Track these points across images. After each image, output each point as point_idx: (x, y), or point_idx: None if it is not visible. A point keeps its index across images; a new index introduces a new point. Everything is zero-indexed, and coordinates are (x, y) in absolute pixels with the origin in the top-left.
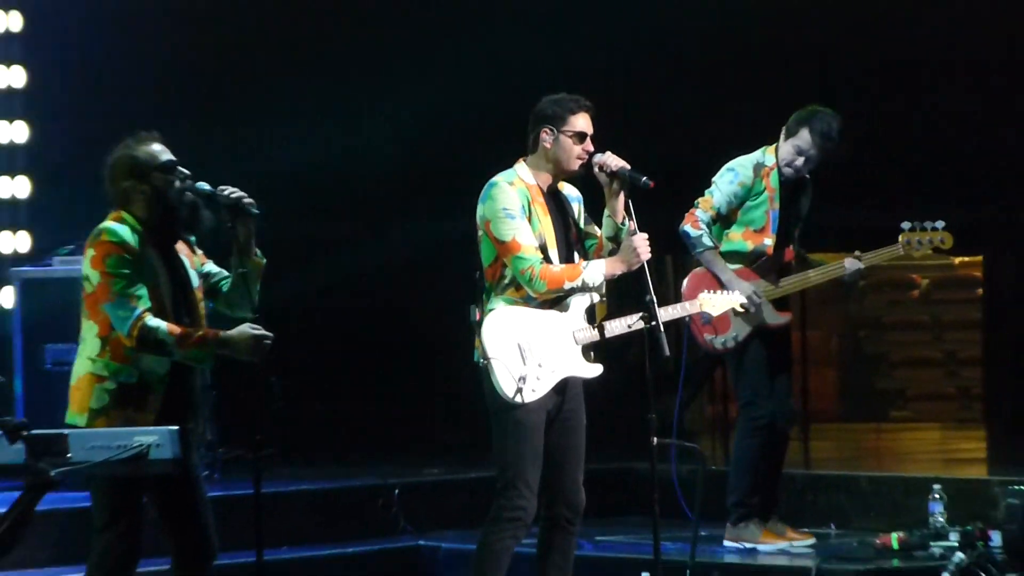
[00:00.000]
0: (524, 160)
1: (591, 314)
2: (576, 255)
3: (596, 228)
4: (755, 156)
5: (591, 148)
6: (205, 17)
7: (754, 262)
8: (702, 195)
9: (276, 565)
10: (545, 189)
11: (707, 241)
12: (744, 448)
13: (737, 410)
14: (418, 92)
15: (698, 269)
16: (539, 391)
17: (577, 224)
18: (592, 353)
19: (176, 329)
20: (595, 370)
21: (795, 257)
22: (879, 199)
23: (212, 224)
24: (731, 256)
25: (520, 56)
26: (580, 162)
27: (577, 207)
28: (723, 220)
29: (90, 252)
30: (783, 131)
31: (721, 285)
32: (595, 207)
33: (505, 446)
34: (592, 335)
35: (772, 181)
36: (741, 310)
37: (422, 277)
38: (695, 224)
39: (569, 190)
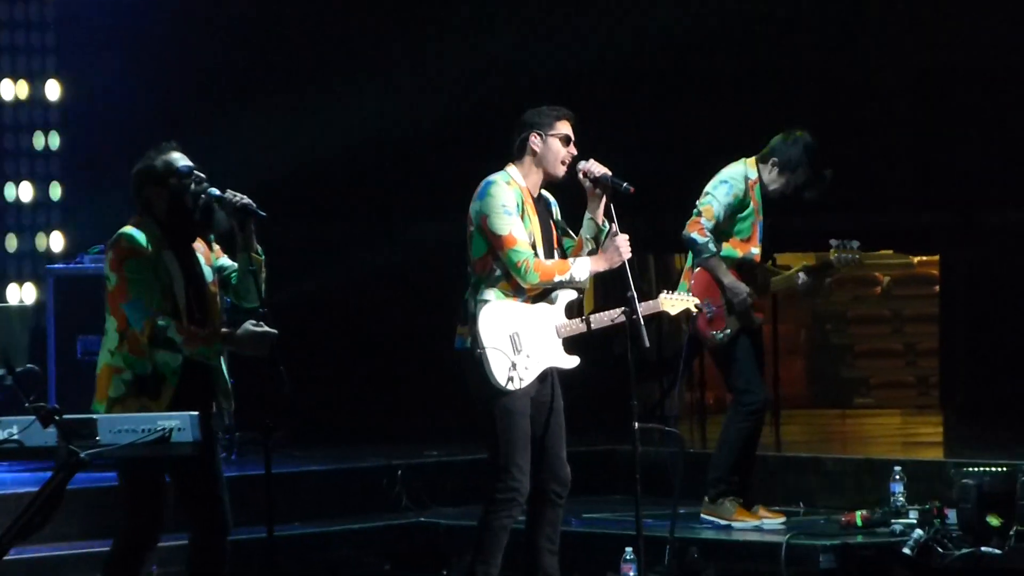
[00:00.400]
0: (513, 165)
1: (570, 310)
2: (556, 255)
3: (571, 232)
4: (741, 169)
5: (575, 152)
6: (218, 28)
7: (740, 268)
8: (697, 204)
9: (287, 540)
10: (533, 193)
11: (712, 247)
12: (735, 431)
13: (710, 397)
14: (415, 95)
15: (699, 269)
16: (526, 380)
17: (558, 226)
18: (572, 345)
19: (184, 328)
20: (572, 361)
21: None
22: (844, 203)
23: (227, 226)
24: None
25: (511, 61)
26: (565, 165)
27: (554, 210)
28: (717, 229)
29: (109, 255)
30: (776, 164)
31: (722, 287)
32: (573, 214)
33: (496, 432)
34: (573, 329)
35: (756, 194)
36: (695, 311)
37: (421, 273)
38: (701, 232)
39: (545, 195)
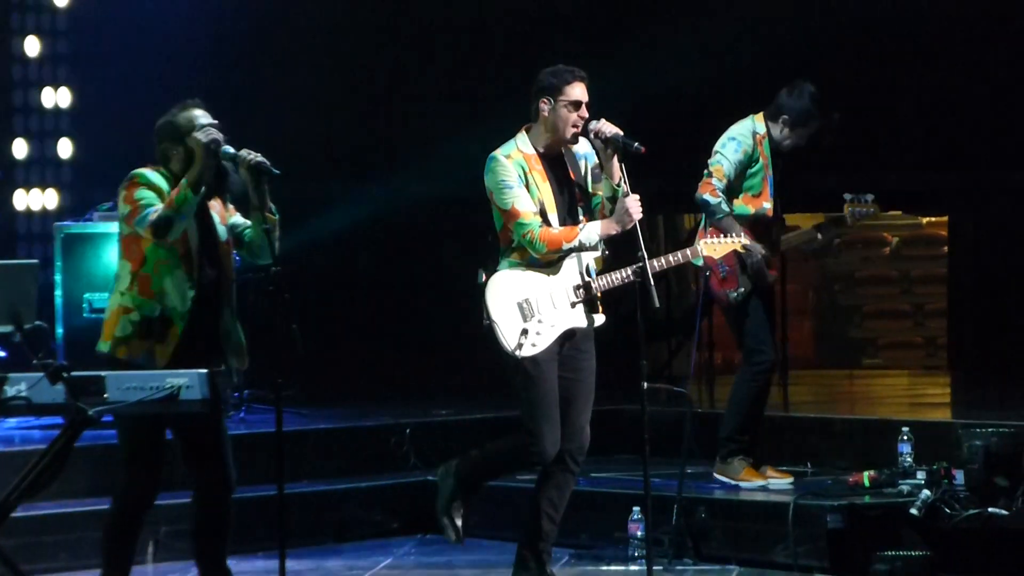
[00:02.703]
0: (526, 129)
1: (589, 271)
2: (580, 214)
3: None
4: (749, 125)
5: (586, 115)
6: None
7: (754, 225)
8: (709, 164)
9: (296, 497)
10: (546, 156)
11: (725, 207)
12: (744, 390)
13: (718, 357)
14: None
15: (704, 229)
16: (540, 345)
17: (582, 184)
18: (593, 305)
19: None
20: (596, 321)
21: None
22: (854, 164)
23: (242, 187)
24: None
25: (515, 23)
26: (575, 130)
27: (585, 164)
28: (728, 187)
29: (122, 192)
30: (787, 120)
31: None
32: None
33: (522, 396)
34: (587, 290)
35: (765, 148)
36: (742, 251)
37: (432, 232)
38: (713, 192)
39: (581, 146)
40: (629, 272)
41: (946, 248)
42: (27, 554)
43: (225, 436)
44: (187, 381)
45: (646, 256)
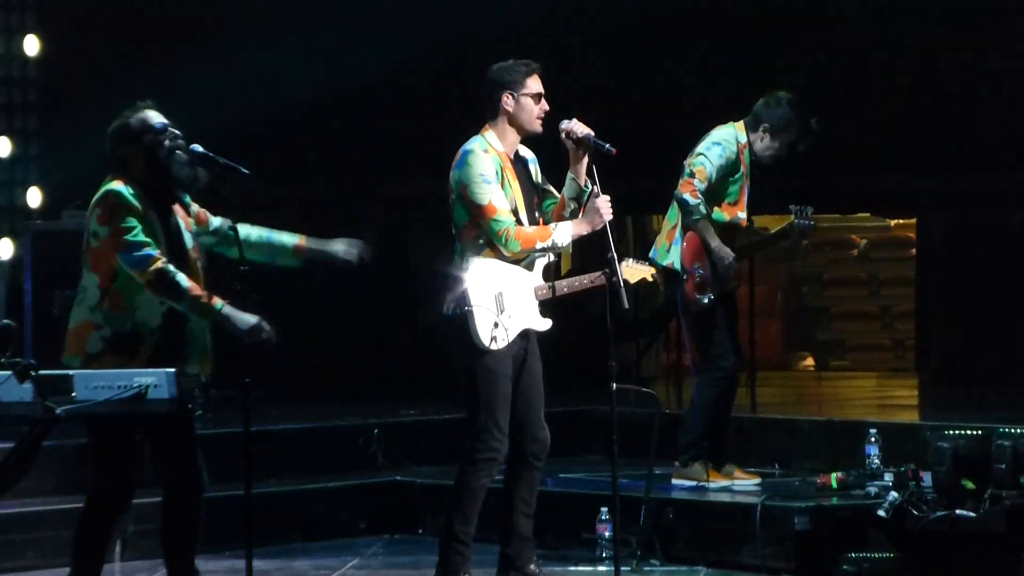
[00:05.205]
0: (489, 128)
1: (548, 272)
2: (536, 216)
3: (552, 188)
4: (732, 132)
5: (547, 107)
6: None
7: (724, 232)
8: (688, 165)
9: (263, 497)
10: (511, 155)
11: (703, 209)
12: (707, 395)
13: (691, 359)
14: (389, 54)
15: (691, 232)
16: (503, 341)
17: (537, 185)
18: (543, 308)
19: (192, 282)
20: (546, 324)
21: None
22: (822, 166)
23: (204, 183)
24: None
25: (481, 13)
26: (540, 121)
27: (533, 168)
28: (707, 190)
29: (96, 211)
30: (767, 129)
31: (708, 251)
32: (551, 169)
33: (477, 392)
34: (549, 291)
35: (746, 158)
36: (651, 280)
37: (399, 232)
38: (693, 193)
39: (525, 152)
40: (598, 273)
41: (914, 250)
42: None
43: (194, 436)
44: (154, 380)
45: (615, 258)
